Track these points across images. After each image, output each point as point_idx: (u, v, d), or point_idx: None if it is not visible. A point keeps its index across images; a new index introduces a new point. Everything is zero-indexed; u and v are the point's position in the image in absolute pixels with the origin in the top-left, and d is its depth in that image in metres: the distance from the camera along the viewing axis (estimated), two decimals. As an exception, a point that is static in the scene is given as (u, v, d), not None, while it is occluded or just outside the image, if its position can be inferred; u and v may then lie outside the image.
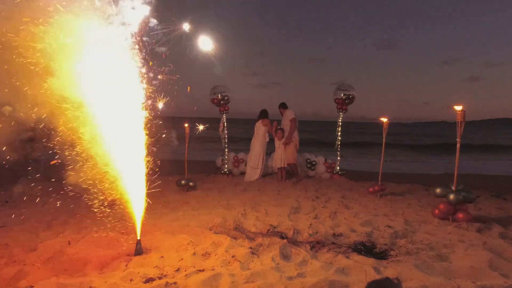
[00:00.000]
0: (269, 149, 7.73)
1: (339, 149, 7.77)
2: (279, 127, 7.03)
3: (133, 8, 2.56)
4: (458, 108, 3.78)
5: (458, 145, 4.01)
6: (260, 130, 7.16)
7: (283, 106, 7.29)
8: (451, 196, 3.85)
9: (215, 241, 3.23)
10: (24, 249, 2.98)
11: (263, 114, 7.24)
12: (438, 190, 4.06)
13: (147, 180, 3.02)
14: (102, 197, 2.76)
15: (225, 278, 2.42)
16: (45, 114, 2.39)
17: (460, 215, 3.83)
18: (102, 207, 2.96)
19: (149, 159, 2.97)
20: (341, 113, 7.63)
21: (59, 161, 2.63)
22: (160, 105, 2.96)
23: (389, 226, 3.77)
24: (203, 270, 2.56)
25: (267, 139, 7.24)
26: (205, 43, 3.13)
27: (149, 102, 2.84)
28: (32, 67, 2.23)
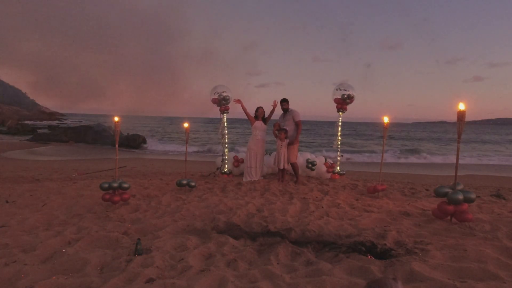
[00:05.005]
0: (269, 149, 7.73)
1: (339, 149, 7.76)
2: (283, 128, 6.96)
3: None
4: (461, 107, 3.77)
5: (458, 145, 4.01)
6: (258, 129, 7.13)
7: (286, 101, 7.21)
8: (451, 196, 3.85)
9: (216, 241, 3.23)
10: (24, 249, 2.97)
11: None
12: (438, 190, 4.05)
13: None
14: None
15: (226, 278, 2.41)
16: None
17: (461, 215, 3.83)
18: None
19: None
20: (340, 113, 7.62)
21: None
22: None
23: (389, 226, 3.76)
24: (204, 270, 2.55)
25: (260, 137, 7.13)
26: None
27: None
28: None
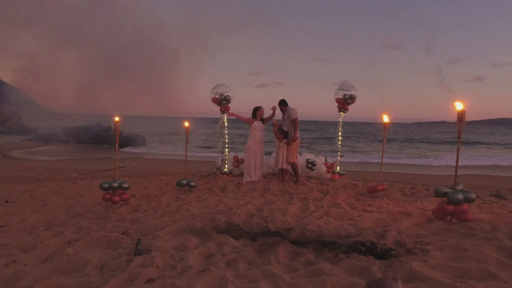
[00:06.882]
0: (269, 149, 7.71)
1: (339, 149, 7.76)
2: (283, 128, 6.95)
3: None
4: (459, 107, 3.77)
5: (458, 145, 4.01)
6: (258, 130, 7.12)
7: (283, 103, 7.23)
8: (451, 196, 3.85)
9: (216, 241, 3.23)
10: (24, 249, 2.97)
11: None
12: (438, 190, 4.05)
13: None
14: None
15: (226, 278, 2.41)
16: None
17: (461, 215, 3.83)
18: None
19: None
20: (341, 113, 7.61)
21: None
22: None
23: (389, 226, 3.76)
24: (204, 270, 2.55)
25: (259, 137, 7.13)
26: None
27: None
28: None
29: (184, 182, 5.90)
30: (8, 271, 2.48)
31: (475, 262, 2.62)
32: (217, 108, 7.52)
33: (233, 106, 7.56)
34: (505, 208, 4.78)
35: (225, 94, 7.33)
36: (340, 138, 7.78)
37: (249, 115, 7.26)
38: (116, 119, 4.77)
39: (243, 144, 12.93)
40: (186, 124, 6.17)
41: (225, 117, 7.53)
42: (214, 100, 7.40)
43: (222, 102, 7.37)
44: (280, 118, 7.30)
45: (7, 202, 4.85)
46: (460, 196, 3.82)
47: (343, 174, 7.79)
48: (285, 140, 6.82)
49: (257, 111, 7.18)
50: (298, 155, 7.34)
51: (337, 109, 7.64)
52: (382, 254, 2.96)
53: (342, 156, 7.89)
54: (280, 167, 6.88)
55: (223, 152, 7.61)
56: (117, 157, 5.13)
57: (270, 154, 7.84)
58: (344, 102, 7.44)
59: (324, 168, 7.57)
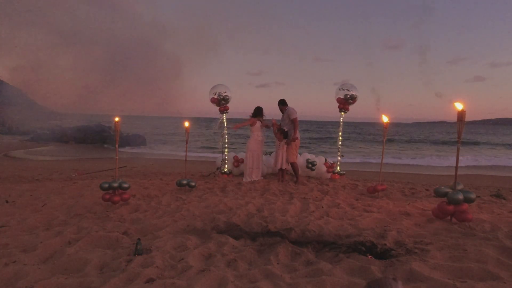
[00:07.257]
0: (269, 149, 7.70)
1: (339, 149, 7.76)
2: (283, 128, 6.95)
3: None
4: (459, 107, 3.78)
5: (458, 145, 4.01)
6: (260, 130, 7.13)
7: (282, 103, 7.23)
8: (451, 196, 3.85)
9: (216, 241, 3.23)
10: (24, 249, 2.97)
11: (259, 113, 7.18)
12: (438, 190, 4.05)
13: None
14: None
15: (226, 278, 2.41)
16: None
17: (461, 215, 3.83)
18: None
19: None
20: (342, 113, 7.60)
21: None
22: None
23: (389, 226, 3.76)
24: (204, 270, 2.55)
25: (261, 138, 7.13)
26: None
27: None
28: None
29: (184, 182, 5.90)
30: (8, 271, 2.48)
31: (475, 262, 2.62)
32: (216, 108, 7.53)
33: (232, 106, 7.57)
34: (505, 208, 4.78)
35: (224, 94, 7.32)
36: (340, 138, 7.78)
37: (249, 115, 7.23)
38: (116, 119, 4.77)
39: (243, 144, 12.96)
40: (186, 124, 6.17)
41: (224, 117, 7.54)
42: (213, 100, 7.39)
43: (221, 102, 7.37)
44: (280, 118, 7.30)
45: (7, 202, 4.85)
46: (460, 196, 3.82)
47: (343, 174, 7.79)
48: (285, 140, 6.82)
49: (262, 110, 7.15)
50: (298, 155, 7.34)
51: (337, 109, 7.64)
52: (382, 254, 2.96)
53: (342, 156, 7.89)
54: (280, 167, 6.88)
55: (223, 152, 7.61)
56: (117, 157, 5.14)
57: (270, 154, 7.84)
58: (345, 102, 7.43)
59: (324, 168, 7.57)
